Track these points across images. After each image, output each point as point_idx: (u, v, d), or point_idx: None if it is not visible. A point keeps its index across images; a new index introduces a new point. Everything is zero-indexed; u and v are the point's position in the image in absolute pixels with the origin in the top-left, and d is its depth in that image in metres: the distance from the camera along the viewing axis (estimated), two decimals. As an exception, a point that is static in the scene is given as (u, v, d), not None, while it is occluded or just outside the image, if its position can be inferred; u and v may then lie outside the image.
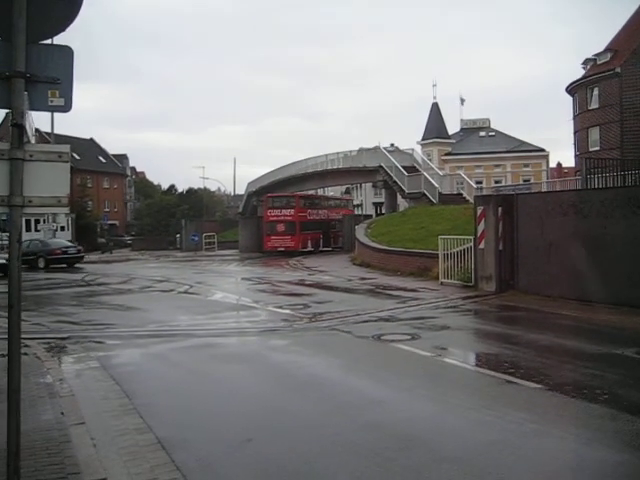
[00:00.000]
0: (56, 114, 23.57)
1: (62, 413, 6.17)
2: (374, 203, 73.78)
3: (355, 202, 73.85)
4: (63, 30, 4.25)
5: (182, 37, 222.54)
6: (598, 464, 5.07)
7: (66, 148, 4.34)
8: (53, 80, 4.14)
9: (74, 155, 66.61)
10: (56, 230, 47.10)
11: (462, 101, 76.98)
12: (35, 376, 7.90)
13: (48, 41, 4.37)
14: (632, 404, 6.38)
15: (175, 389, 7.59)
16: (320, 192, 56.76)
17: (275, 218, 42.83)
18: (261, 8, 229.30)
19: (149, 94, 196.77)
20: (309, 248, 42.13)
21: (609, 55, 42.96)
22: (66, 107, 4.26)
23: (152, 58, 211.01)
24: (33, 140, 47.56)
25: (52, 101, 4.20)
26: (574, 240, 13.98)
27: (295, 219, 42.17)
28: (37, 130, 55.81)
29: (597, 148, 41.54)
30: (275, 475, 4.94)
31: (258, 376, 8.27)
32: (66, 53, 4.27)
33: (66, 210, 4.25)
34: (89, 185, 69.51)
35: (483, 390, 7.30)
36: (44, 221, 46.71)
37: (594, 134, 42.99)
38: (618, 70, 40.68)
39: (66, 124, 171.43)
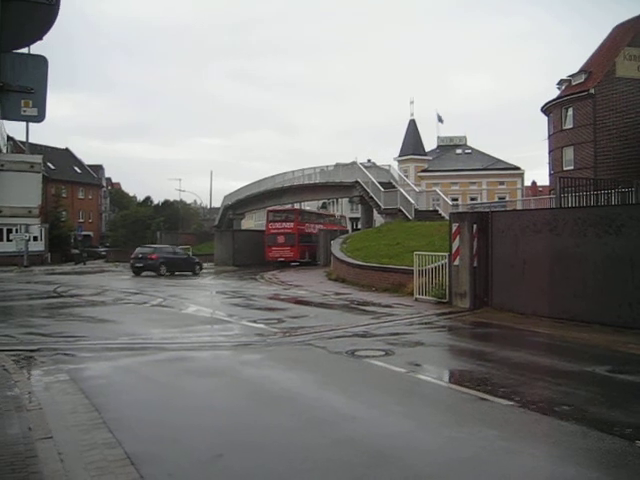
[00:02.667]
0: (31, 123, 23.41)
1: (29, 428, 6.05)
2: (350, 218, 73.91)
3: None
4: (38, 39, 4.20)
5: (158, 49, 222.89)
6: (568, 482, 5.08)
7: (38, 158, 4.28)
8: (26, 90, 4.10)
9: (49, 165, 65.99)
10: (29, 240, 46.58)
11: (439, 118, 77.67)
12: (2, 389, 7.75)
13: (24, 50, 4.33)
14: (603, 422, 6.42)
15: (146, 403, 7.49)
16: (296, 206, 57.39)
17: (276, 230, 45.69)
18: (237, 21, 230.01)
19: (125, 105, 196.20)
20: (307, 259, 44.92)
21: (583, 76, 43.70)
22: (39, 117, 4.21)
23: (128, 69, 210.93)
24: (5, 150, 47.03)
25: (25, 111, 4.15)
26: (548, 258, 14.13)
27: (295, 231, 45.04)
28: (11, 138, 55.17)
29: (571, 167, 42.16)
30: (245, 492, 4.89)
31: (230, 390, 8.20)
32: (40, 63, 4.22)
33: (37, 221, 4.21)
34: (63, 195, 68.75)
35: (456, 407, 7.30)
36: (16, 231, 46.22)
37: (568, 154, 43.61)
38: (592, 91, 41.41)
39: (41, 133, 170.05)
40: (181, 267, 36.94)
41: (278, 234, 45.42)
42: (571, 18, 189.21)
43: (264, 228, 48.49)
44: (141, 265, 35.27)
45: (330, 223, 52.63)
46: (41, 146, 61.45)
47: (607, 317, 12.72)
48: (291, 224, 45.82)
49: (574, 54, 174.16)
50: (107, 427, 6.23)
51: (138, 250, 36.70)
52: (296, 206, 57.60)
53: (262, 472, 5.20)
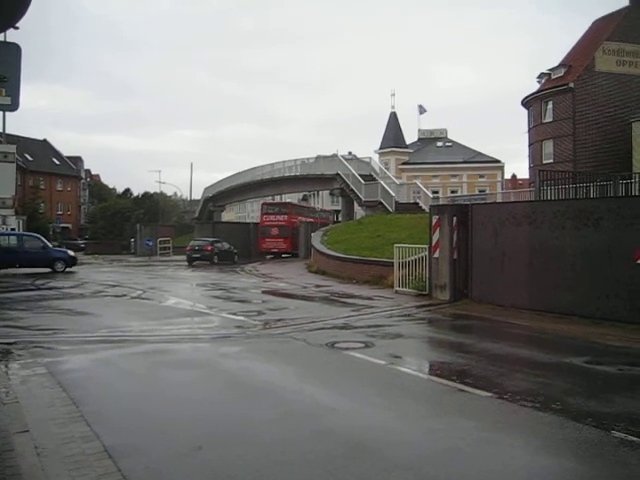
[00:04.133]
0: (7, 113, 23.08)
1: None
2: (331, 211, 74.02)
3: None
4: (11, 27, 4.11)
5: (137, 39, 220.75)
6: (546, 472, 5.11)
7: (12, 148, 4.19)
8: (-1, 78, 4.01)
9: (27, 156, 65.26)
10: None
11: (420, 110, 77.64)
12: (-22, 382, 7.66)
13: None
14: (579, 412, 6.48)
15: (124, 396, 7.43)
16: (277, 199, 57.62)
17: (270, 223, 46.77)
18: (218, 10, 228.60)
19: (104, 96, 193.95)
20: (298, 251, 44.94)
21: (563, 70, 44.00)
22: (13, 106, 4.11)
23: (106, 60, 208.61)
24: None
25: (-3, 100, 4.06)
26: (527, 250, 14.22)
27: (288, 224, 45.90)
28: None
29: (551, 161, 42.49)
30: (224, 484, 4.87)
31: (210, 383, 8.17)
32: (13, 51, 4.12)
33: (11, 212, 4.13)
34: (42, 187, 68.14)
35: (435, 398, 7.34)
36: (-6, 223, 45.58)
37: (548, 147, 43.92)
38: (571, 85, 41.70)
39: (18, 124, 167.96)
40: (225, 257, 40.31)
41: (272, 226, 46.32)
42: (557, 10, 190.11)
43: (246, 221, 48.82)
44: (198, 256, 38.98)
45: (321, 218, 52.98)
46: (18, 137, 60.66)
47: (586, 309, 12.83)
48: (285, 217, 46.70)
49: (558, 47, 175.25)
50: (85, 420, 6.17)
51: (193, 243, 40.95)
52: (277, 198, 57.77)
53: (241, 464, 5.18)
